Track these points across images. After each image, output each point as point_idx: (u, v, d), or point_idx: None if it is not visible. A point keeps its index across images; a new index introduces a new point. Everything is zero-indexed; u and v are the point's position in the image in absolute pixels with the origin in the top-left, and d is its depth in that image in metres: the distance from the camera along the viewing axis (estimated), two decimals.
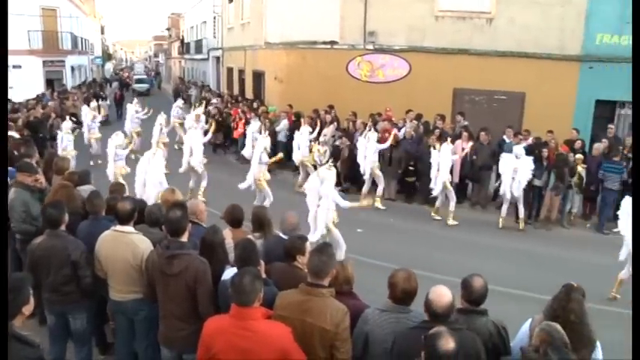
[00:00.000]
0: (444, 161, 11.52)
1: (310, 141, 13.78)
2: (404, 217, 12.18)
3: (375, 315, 3.70)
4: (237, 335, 3.25)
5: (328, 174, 8.28)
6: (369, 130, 12.93)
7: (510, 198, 11.57)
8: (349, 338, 3.61)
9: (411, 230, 11.40)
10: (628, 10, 15.23)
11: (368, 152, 12.45)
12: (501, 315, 3.96)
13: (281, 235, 5.23)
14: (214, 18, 34.13)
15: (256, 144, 11.65)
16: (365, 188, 12.82)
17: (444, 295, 3.45)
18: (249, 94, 23.83)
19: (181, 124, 17.47)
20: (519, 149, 11.45)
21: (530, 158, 11.44)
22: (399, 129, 13.73)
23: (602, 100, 16.15)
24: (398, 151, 13.00)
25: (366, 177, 12.76)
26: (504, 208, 11.85)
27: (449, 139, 12.18)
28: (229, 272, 4.13)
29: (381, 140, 12.78)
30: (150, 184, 9.39)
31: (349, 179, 14.09)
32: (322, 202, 8.21)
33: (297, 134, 14.15)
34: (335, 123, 15.17)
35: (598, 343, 3.80)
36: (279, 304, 3.68)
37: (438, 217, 12.05)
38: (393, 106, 15.02)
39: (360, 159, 12.74)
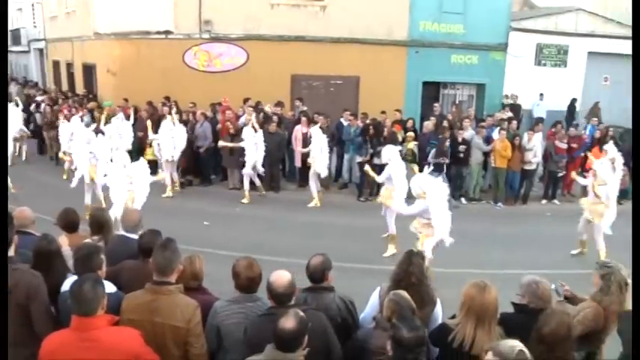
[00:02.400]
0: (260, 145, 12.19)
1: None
2: (250, 205, 12.22)
3: (224, 307, 3.71)
4: (82, 348, 3.02)
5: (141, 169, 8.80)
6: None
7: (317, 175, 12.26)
8: (202, 333, 3.57)
9: (257, 217, 11.48)
10: (445, 1, 16.84)
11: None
12: (352, 289, 4.16)
13: (125, 234, 4.98)
14: (32, 5, 31.07)
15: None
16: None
17: (282, 275, 3.56)
18: (79, 89, 22.16)
19: None
20: (315, 130, 12.18)
21: (325, 136, 12.25)
22: (239, 117, 13.73)
23: (428, 82, 17.59)
24: (238, 139, 12.93)
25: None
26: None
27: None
28: (69, 282, 3.81)
29: (222, 132, 13.15)
30: None
31: (191, 171, 14.03)
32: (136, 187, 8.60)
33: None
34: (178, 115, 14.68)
35: (438, 301, 4.16)
36: (125, 307, 3.52)
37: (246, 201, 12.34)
38: (233, 95, 14.88)
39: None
